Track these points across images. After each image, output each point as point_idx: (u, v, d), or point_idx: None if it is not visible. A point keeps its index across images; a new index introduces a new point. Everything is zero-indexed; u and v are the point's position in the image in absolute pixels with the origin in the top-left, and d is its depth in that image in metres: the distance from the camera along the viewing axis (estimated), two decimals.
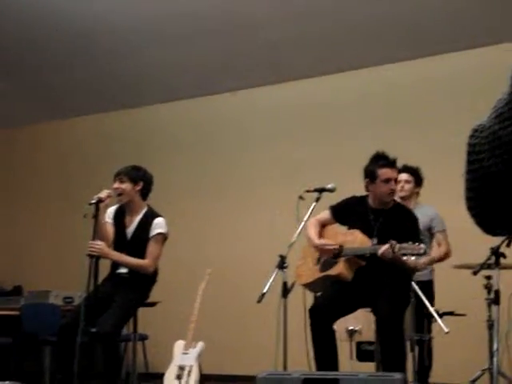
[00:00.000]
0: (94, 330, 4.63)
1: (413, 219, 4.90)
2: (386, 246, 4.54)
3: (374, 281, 4.75)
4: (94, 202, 4.81)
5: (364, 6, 6.23)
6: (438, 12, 6.26)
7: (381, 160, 4.85)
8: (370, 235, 4.80)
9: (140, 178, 5.28)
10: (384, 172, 4.82)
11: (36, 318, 7.00)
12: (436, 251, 5.52)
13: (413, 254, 4.49)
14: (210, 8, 6.31)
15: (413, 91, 7.13)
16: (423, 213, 5.29)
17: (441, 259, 5.51)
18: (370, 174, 4.87)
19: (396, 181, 4.93)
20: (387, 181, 4.83)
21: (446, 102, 6.89)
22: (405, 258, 4.52)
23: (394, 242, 4.50)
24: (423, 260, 5.15)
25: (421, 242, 4.63)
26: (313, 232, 5.00)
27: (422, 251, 4.48)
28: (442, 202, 6.27)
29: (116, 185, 5.20)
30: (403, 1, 6.15)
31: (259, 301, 4.59)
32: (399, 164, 5.06)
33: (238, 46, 7.05)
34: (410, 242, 4.49)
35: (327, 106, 7.57)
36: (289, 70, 7.55)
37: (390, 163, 4.85)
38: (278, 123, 7.83)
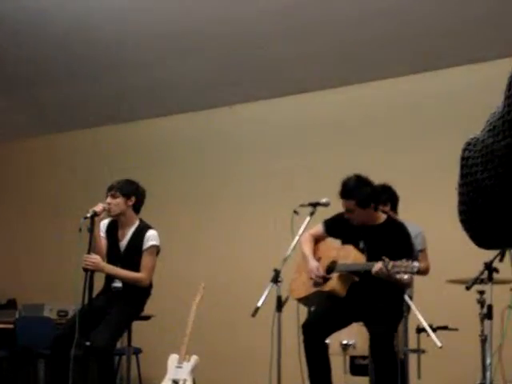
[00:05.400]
0: (88, 343, 4.63)
1: (404, 234, 4.85)
2: (379, 264, 4.52)
3: (367, 296, 4.76)
4: (89, 215, 4.82)
5: (364, 22, 6.25)
6: (436, 27, 6.28)
7: (340, 188, 4.85)
8: (360, 251, 4.81)
9: (133, 192, 5.28)
10: (342, 202, 4.86)
11: (30, 332, 6.97)
12: None
13: (406, 272, 4.46)
14: (206, 24, 6.34)
15: (410, 106, 7.12)
16: None
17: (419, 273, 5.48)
18: None
19: (349, 211, 4.85)
20: (346, 210, 4.87)
21: (448, 116, 6.84)
22: (398, 276, 4.49)
23: (386, 258, 4.46)
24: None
25: (413, 258, 4.62)
26: (307, 249, 5.01)
27: (415, 269, 4.45)
28: (436, 216, 6.29)
29: (108, 200, 5.20)
30: (405, 19, 6.17)
31: (253, 315, 4.58)
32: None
33: (235, 60, 7.07)
34: (404, 260, 4.45)
35: (323, 120, 7.58)
36: (285, 85, 7.56)
37: (342, 194, 4.83)
38: (274, 137, 7.85)
